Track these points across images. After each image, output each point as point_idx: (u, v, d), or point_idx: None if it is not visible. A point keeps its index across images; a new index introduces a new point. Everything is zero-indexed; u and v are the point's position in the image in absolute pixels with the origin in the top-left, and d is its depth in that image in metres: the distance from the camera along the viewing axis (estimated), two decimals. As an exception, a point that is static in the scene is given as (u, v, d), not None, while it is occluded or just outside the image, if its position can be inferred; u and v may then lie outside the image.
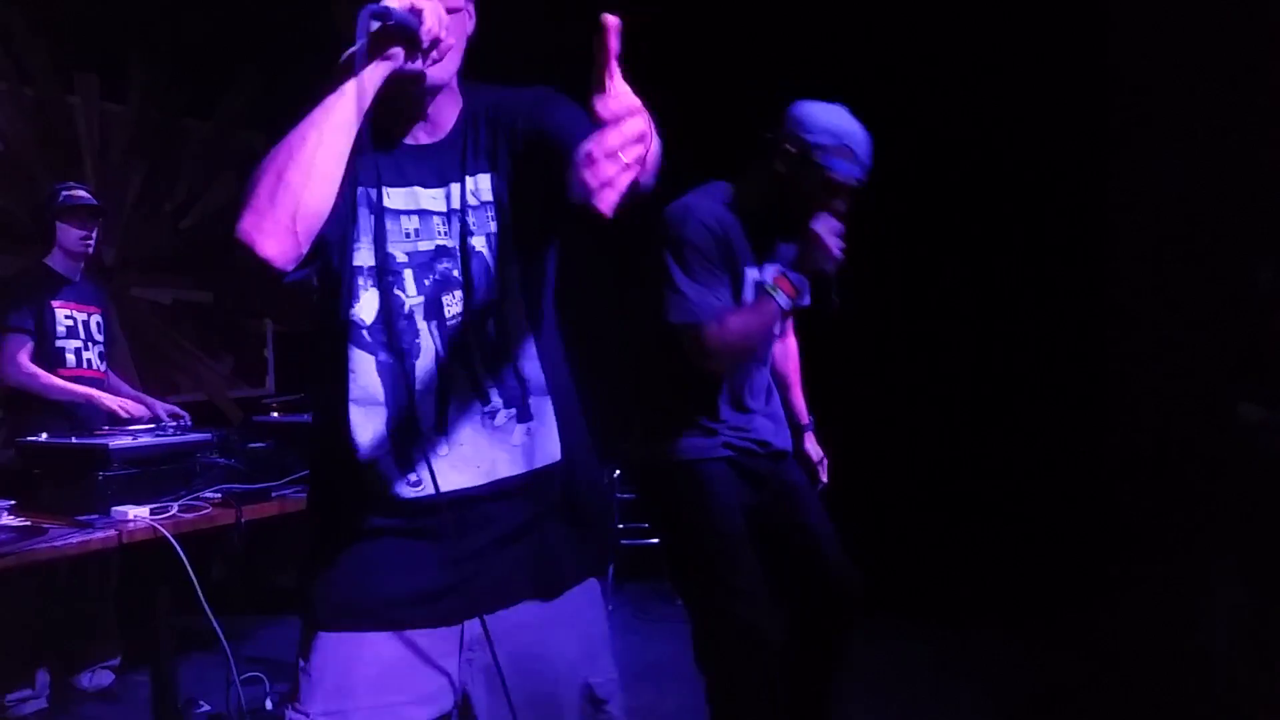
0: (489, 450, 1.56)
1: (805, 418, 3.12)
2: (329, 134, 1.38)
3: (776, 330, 2.70)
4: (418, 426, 1.52)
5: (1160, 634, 3.93)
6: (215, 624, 3.04)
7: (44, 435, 3.25)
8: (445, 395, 1.53)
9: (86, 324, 4.03)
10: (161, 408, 4.05)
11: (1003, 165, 4.59)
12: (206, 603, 3.00)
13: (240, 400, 5.79)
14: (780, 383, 3.02)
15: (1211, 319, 4.03)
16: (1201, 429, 3.97)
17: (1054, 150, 4.52)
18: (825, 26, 4.67)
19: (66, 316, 3.95)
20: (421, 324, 1.52)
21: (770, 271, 2.62)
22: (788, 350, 3.13)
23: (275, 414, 3.86)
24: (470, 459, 1.55)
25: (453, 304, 1.53)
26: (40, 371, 3.78)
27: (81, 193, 3.99)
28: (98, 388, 3.96)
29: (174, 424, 3.86)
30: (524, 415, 1.58)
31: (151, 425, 3.65)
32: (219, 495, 3.19)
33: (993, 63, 4.49)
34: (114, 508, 2.94)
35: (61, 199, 3.94)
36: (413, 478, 1.52)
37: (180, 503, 3.06)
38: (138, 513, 2.93)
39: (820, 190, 2.53)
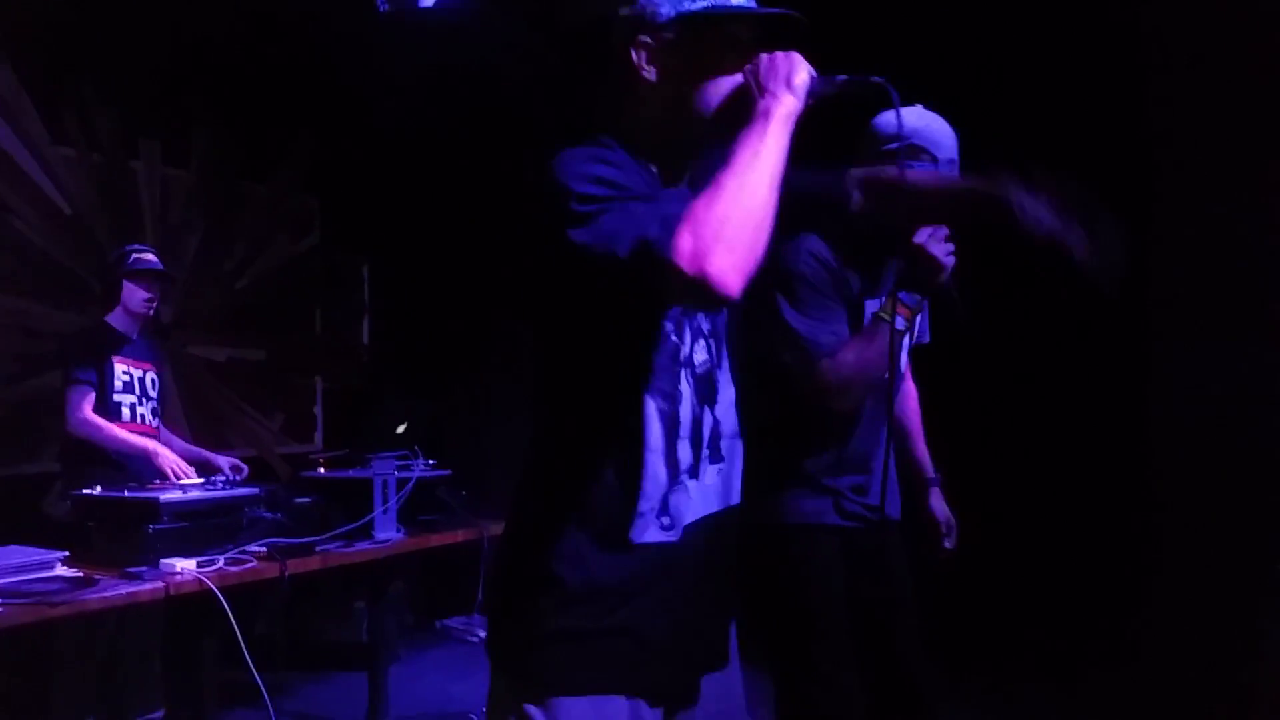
0: (703, 491, 1.60)
1: (930, 471, 2.82)
2: (777, 177, 1.40)
3: (901, 364, 2.53)
4: (675, 470, 1.55)
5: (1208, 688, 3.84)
6: (258, 678, 3.08)
7: (97, 488, 3.33)
8: (699, 441, 1.58)
9: (142, 380, 4.13)
10: (223, 460, 4.13)
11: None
12: (250, 657, 3.05)
13: (289, 456, 5.87)
14: (899, 432, 2.80)
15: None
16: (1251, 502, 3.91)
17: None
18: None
19: (124, 372, 4.05)
20: (683, 371, 1.56)
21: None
22: (906, 394, 2.87)
23: (322, 469, 3.93)
24: (695, 500, 1.59)
25: (700, 353, 1.59)
26: (103, 423, 3.88)
27: (151, 257, 4.11)
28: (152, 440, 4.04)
29: (235, 475, 3.94)
30: (715, 456, 1.62)
31: (202, 480, 3.72)
32: (264, 549, 3.25)
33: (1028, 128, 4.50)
34: (162, 560, 3.01)
35: (131, 261, 4.06)
36: (665, 520, 1.54)
37: (226, 556, 3.12)
38: (185, 565, 3.00)
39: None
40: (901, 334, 2.31)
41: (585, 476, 1.52)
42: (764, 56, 1.50)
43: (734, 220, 1.33)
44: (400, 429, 4.13)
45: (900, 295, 2.28)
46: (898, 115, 1.61)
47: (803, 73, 1.47)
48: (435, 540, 3.87)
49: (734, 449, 1.66)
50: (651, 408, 1.53)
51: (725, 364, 1.64)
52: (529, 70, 5.50)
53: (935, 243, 2.26)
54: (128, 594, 2.83)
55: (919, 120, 2.35)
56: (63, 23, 4.64)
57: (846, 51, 1.79)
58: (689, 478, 1.56)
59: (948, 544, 2.78)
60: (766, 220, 1.36)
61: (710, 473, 1.61)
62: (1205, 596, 4.03)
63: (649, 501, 1.52)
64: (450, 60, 5.37)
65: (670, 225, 1.32)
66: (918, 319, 2.43)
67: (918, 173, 1.89)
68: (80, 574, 2.90)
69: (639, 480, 1.51)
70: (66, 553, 3.00)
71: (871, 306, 2.42)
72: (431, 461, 3.95)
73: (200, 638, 3.29)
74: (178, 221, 5.55)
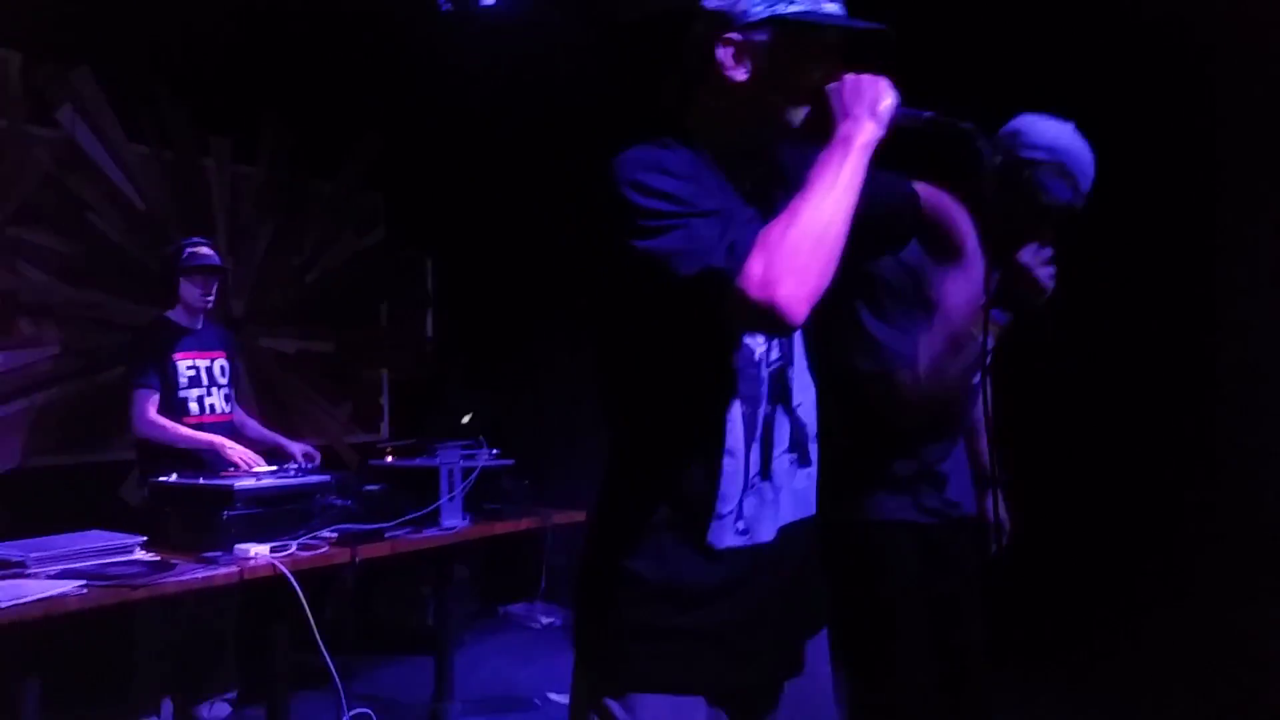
0: (785, 496, 1.59)
1: (995, 471, 2.74)
2: (852, 207, 1.39)
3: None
4: (752, 473, 1.54)
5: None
6: (329, 661, 3.16)
7: (174, 476, 3.43)
8: (769, 442, 1.56)
9: (210, 370, 4.17)
10: (296, 448, 4.19)
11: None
12: (320, 640, 3.12)
13: (357, 445, 5.99)
14: (969, 429, 2.68)
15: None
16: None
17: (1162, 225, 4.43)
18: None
19: (188, 366, 4.09)
20: (761, 372, 1.55)
21: None
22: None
23: (390, 458, 4.00)
24: (778, 505, 1.58)
25: (773, 350, 1.56)
26: (167, 423, 3.93)
27: (205, 250, 4.12)
28: (225, 428, 4.11)
29: (308, 463, 4.02)
30: (804, 460, 1.62)
31: (275, 467, 3.80)
32: (335, 535, 3.33)
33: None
34: (236, 545, 3.10)
35: (186, 257, 4.07)
36: (740, 525, 1.53)
37: (299, 541, 3.21)
38: (259, 550, 3.09)
39: (1027, 213, 2.19)
40: (989, 352, 2.16)
41: (665, 476, 1.52)
42: (850, 76, 1.47)
43: (806, 250, 1.33)
44: (465, 419, 4.19)
45: (993, 312, 2.15)
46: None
47: (888, 99, 1.46)
48: (499, 528, 3.93)
49: (815, 453, 1.64)
50: (731, 410, 1.52)
51: (799, 362, 1.61)
52: (588, 66, 5.55)
53: (1040, 265, 2.17)
54: (203, 578, 2.92)
55: (1071, 141, 2.21)
56: (137, 24, 4.76)
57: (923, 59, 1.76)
58: (760, 479, 1.55)
59: (994, 548, 2.76)
60: (838, 250, 1.36)
61: (800, 476, 1.61)
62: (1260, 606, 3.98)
63: (727, 504, 1.51)
64: (511, 57, 5.43)
65: (738, 252, 1.32)
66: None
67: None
68: (158, 558, 3.00)
69: (716, 482, 1.51)
70: (144, 538, 3.10)
71: None
72: (496, 451, 4.00)
73: (273, 621, 3.37)
74: (247, 217, 5.68)
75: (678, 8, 1.59)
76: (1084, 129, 2.27)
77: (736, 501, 1.52)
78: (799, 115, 1.51)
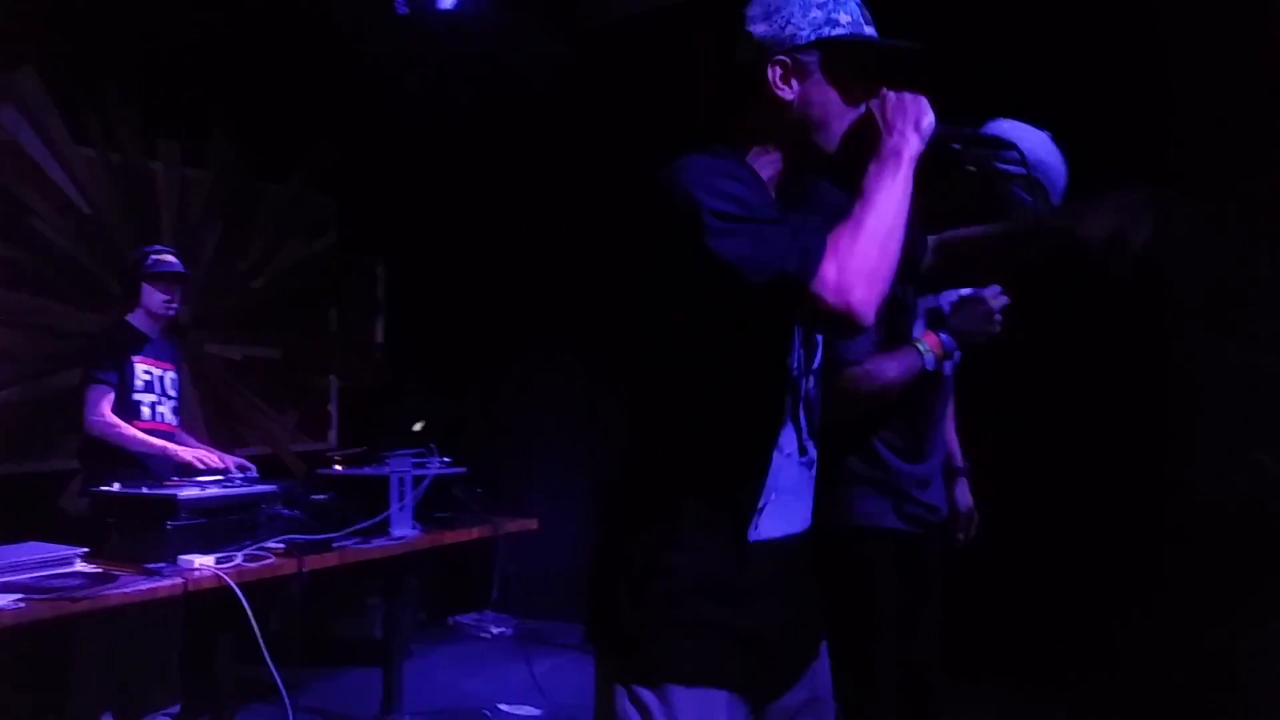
0: (799, 497, 1.67)
1: (959, 460, 2.90)
2: (905, 216, 1.49)
3: (947, 372, 2.55)
4: (781, 474, 1.61)
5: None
6: (275, 673, 3.11)
7: (116, 485, 3.36)
8: (783, 445, 1.63)
9: (161, 380, 4.19)
10: (230, 460, 4.15)
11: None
12: (267, 652, 3.07)
13: (304, 454, 5.90)
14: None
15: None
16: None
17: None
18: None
19: (145, 372, 4.11)
20: (792, 378, 1.63)
21: (947, 298, 2.48)
22: None
23: (338, 467, 3.95)
24: (794, 505, 1.66)
25: (796, 359, 1.65)
26: (121, 423, 3.93)
27: (170, 259, 4.16)
28: (169, 440, 4.09)
29: (241, 476, 3.97)
30: (809, 464, 1.70)
31: (219, 477, 3.75)
32: (282, 545, 3.28)
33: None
34: (181, 556, 3.04)
35: (150, 263, 4.11)
36: (771, 523, 1.60)
37: (245, 552, 3.15)
38: (203, 561, 3.03)
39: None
40: (929, 372, 2.38)
41: (711, 472, 1.58)
42: (891, 94, 1.57)
43: (874, 255, 1.42)
44: (417, 427, 4.16)
45: (942, 335, 2.38)
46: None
47: (929, 117, 1.56)
48: (450, 537, 3.90)
49: (814, 455, 1.72)
50: (785, 409, 1.60)
51: (813, 378, 1.70)
52: (546, 70, 5.53)
53: (997, 307, 2.37)
54: (147, 590, 2.87)
55: (1047, 154, 2.30)
56: (84, 24, 4.67)
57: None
58: (782, 481, 1.62)
59: (961, 536, 2.84)
60: (897, 257, 1.46)
61: (807, 479, 1.68)
62: (1213, 599, 4.03)
63: (768, 499, 1.58)
64: (468, 61, 5.40)
65: (810, 257, 1.40)
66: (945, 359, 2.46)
67: (992, 229, 1.91)
68: (99, 570, 2.94)
69: (764, 479, 1.58)
70: (85, 549, 3.04)
71: (923, 304, 2.47)
72: (447, 459, 3.97)
73: (217, 633, 3.32)
74: (196, 221, 5.58)
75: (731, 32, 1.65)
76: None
77: (774, 498, 1.60)
78: (840, 130, 1.59)
